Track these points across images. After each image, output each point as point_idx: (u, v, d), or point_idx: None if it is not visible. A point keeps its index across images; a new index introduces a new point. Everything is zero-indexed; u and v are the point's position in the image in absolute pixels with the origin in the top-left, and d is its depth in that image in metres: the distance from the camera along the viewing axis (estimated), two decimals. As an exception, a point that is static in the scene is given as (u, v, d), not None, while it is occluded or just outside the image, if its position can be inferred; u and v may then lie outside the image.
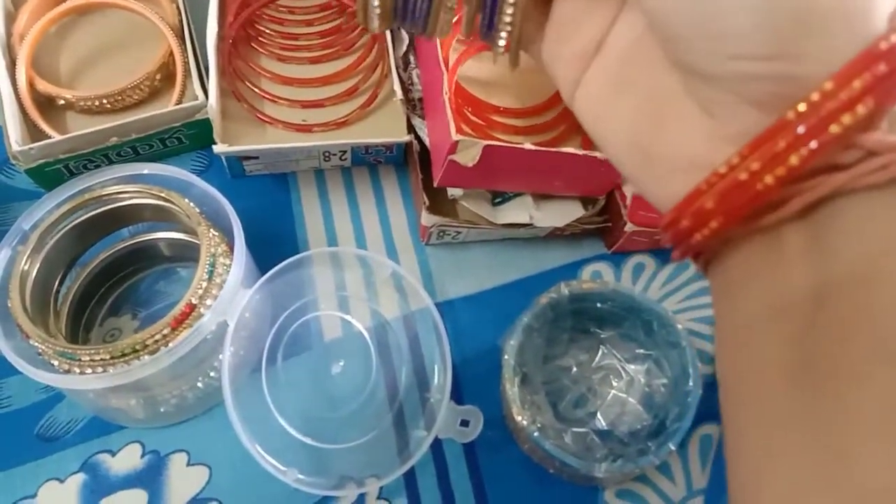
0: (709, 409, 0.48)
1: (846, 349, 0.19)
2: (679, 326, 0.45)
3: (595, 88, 0.25)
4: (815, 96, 0.18)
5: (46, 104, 0.53)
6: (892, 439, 0.18)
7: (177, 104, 0.53)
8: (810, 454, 0.19)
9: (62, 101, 0.53)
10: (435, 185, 0.49)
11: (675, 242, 0.23)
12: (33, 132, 0.52)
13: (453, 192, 0.50)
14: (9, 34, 0.54)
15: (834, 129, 0.18)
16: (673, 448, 0.42)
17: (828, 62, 0.18)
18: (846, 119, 0.18)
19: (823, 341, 0.19)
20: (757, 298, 0.21)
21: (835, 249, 0.19)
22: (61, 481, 0.44)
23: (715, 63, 0.20)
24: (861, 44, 0.18)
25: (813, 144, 0.19)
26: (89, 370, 0.40)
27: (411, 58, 0.54)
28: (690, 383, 0.44)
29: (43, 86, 0.53)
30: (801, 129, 0.19)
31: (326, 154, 0.53)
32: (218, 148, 0.48)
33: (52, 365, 0.40)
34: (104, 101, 0.53)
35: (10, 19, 0.54)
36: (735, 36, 0.19)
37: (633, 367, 0.48)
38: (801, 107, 0.19)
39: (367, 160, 0.55)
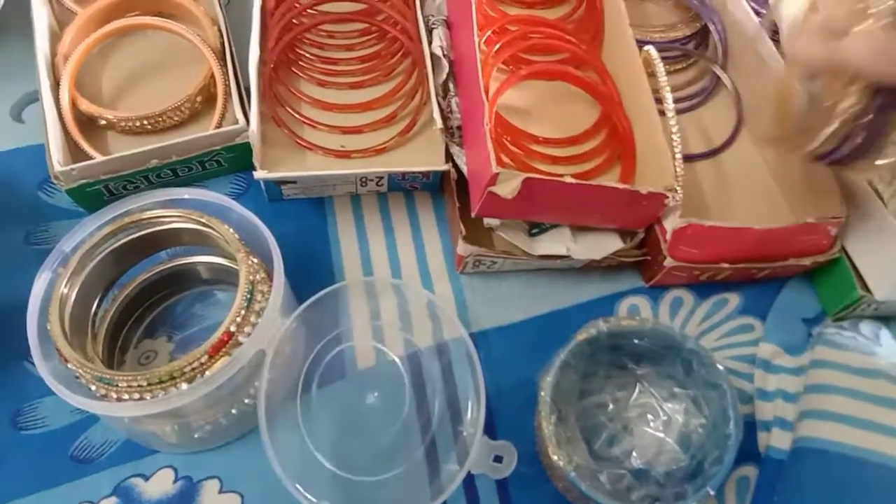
0: (747, 451, 0.47)
1: None
2: (720, 367, 0.44)
3: None
4: None
5: (88, 124, 0.54)
6: None
7: (217, 126, 0.54)
8: None
9: (103, 122, 0.54)
10: (473, 215, 0.48)
11: None
12: (74, 151, 0.53)
13: (490, 221, 0.50)
14: (53, 54, 0.54)
15: None
16: (712, 492, 0.41)
17: None
18: None
19: None
20: None
21: None
22: (94, 504, 0.44)
23: None
24: None
25: None
26: (126, 396, 0.40)
27: (451, 85, 0.54)
28: (731, 426, 0.43)
29: (85, 105, 0.53)
30: None
31: (363, 179, 0.53)
32: (259, 174, 0.48)
33: (90, 389, 0.41)
34: (145, 122, 0.54)
35: (56, 39, 0.55)
36: None
37: (670, 405, 0.47)
38: None
39: (404, 186, 0.55)
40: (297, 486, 0.41)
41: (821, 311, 0.54)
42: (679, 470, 0.45)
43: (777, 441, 0.47)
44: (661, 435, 0.47)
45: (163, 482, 0.45)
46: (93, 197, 0.51)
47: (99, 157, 0.50)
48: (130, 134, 0.55)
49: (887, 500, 0.43)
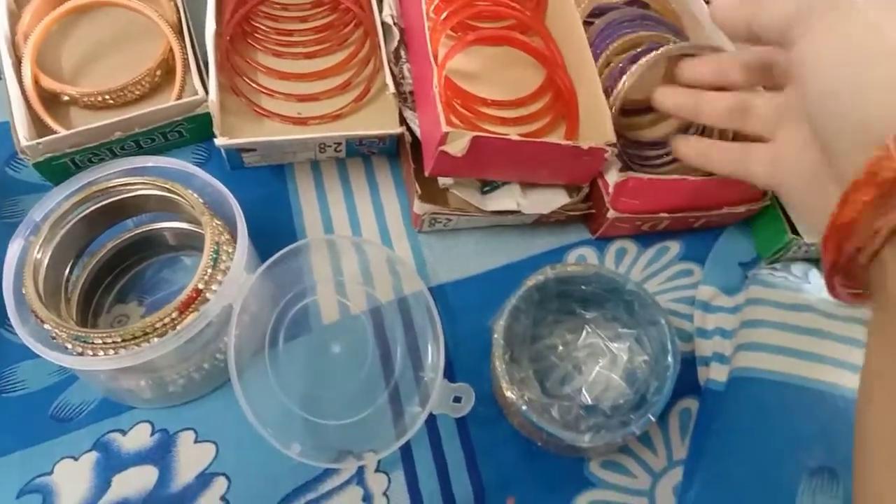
0: (687, 385, 0.51)
1: None
2: (659, 306, 0.48)
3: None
4: None
5: (51, 100, 0.55)
6: None
7: (177, 99, 0.55)
8: None
9: (66, 97, 0.55)
10: (426, 174, 0.51)
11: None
12: (39, 127, 0.54)
13: (444, 181, 0.53)
14: (13, 33, 0.55)
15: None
16: (653, 419, 0.45)
17: None
18: None
19: None
20: None
21: None
22: (75, 459, 0.47)
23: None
24: None
25: None
26: (101, 353, 0.42)
27: (402, 52, 0.56)
28: (669, 359, 0.46)
29: (47, 82, 0.55)
30: None
31: (322, 146, 0.55)
32: (219, 141, 0.51)
33: (66, 348, 0.43)
34: (107, 96, 0.55)
35: (14, 19, 0.56)
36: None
37: (615, 345, 0.51)
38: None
39: (361, 151, 0.58)
40: (269, 430, 0.43)
41: (756, 256, 0.58)
42: (625, 403, 0.49)
43: (715, 374, 0.51)
44: (608, 372, 0.51)
45: (140, 435, 0.48)
46: (59, 170, 0.53)
47: (63, 132, 0.52)
48: (93, 109, 0.56)
49: (810, 418, 0.47)
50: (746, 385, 0.49)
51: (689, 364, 0.52)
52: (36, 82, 0.54)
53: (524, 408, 0.45)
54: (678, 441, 0.51)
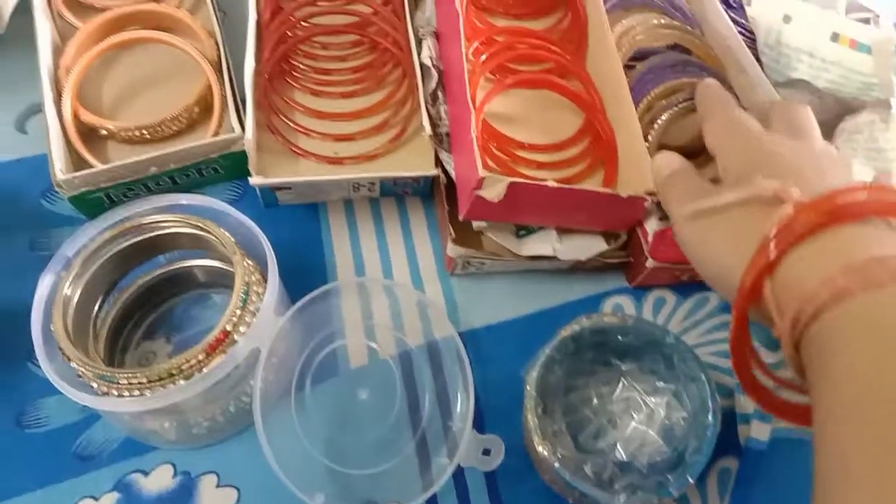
0: (728, 443, 0.49)
1: None
2: (699, 360, 0.46)
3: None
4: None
5: (89, 134, 0.56)
6: None
7: (214, 136, 0.55)
8: None
9: (104, 132, 0.56)
10: (461, 218, 0.50)
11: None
12: (76, 160, 0.54)
13: (478, 224, 0.52)
14: (56, 67, 0.56)
15: None
16: (692, 481, 0.43)
17: None
18: None
19: None
20: None
21: None
22: (96, 499, 0.46)
23: None
24: None
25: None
26: (126, 393, 0.42)
27: (440, 94, 0.56)
28: (710, 417, 0.44)
29: (87, 116, 0.55)
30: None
31: (356, 185, 0.55)
32: (254, 180, 0.50)
33: (92, 387, 0.42)
34: (144, 131, 0.56)
35: (58, 53, 0.57)
36: None
37: (653, 399, 0.49)
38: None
39: (395, 192, 0.57)
40: (293, 478, 0.42)
41: (800, 309, 0.55)
42: (662, 461, 0.47)
43: (756, 433, 0.49)
44: (644, 428, 0.49)
45: (162, 477, 0.47)
46: (94, 204, 0.53)
47: (100, 166, 0.52)
48: (130, 143, 0.56)
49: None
50: (790, 446, 0.47)
51: (730, 420, 0.50)
52: (75, 116, 0.55)
53: (556, 465, 0.43)
54: (716, 502, 0.49)
